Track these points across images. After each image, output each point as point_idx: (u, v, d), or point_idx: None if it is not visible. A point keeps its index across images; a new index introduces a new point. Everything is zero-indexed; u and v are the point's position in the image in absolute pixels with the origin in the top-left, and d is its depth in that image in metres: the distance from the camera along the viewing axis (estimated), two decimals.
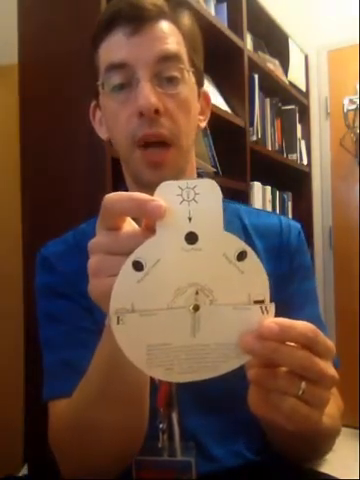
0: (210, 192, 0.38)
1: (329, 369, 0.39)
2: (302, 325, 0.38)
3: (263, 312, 0.39)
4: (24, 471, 1.27)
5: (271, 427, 0.60)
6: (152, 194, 0.67)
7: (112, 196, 0.39)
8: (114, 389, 0.52)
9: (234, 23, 1.91)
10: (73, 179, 1.26)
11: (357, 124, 2.48)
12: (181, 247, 0.37)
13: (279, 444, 0.66)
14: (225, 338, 0.39)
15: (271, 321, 0.38)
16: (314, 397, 0.39)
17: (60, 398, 0.63)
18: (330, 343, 0.40)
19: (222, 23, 1.82)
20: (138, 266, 0.37)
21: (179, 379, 0.40)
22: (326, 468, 0.77)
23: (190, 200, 0.37)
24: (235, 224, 0.73)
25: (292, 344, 0.38)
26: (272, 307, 0.39)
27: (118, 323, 0.38)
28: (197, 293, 0.38)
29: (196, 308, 0.39)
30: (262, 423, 0.60)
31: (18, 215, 1.37)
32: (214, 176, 1.70)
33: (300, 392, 0.38)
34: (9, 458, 1.50)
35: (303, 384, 0.38)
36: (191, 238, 0.37)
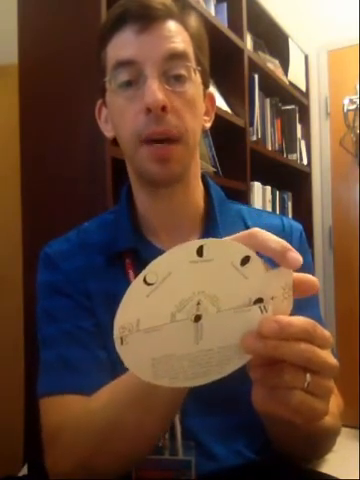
0: None
1: (330, 358, 0.40)
2: (301, 321, 0.39)
3: (262, 311, 0.39)
4: (24, 471, 1.27)
5: (274, 425, 0.59)
6: (156, 191, 0.68)
7: (265, 233, 0.40)
8: (152, 400, 0.52)
9: (234, 23, 1.91)
10: (73, 179, 1.26)
11: (357, 124, 2.48)
12: (190, 260, 0.38)
13: (281, 443, 0.66)
14: (227, 341, 0.40)
15: (270, 320, 0.38)
16: (319, 388, 0.39)
17: (59, 394, 0.63)
18: (327, 333, 0.40)
19: (222, 23, 1.82)
20: (149, 281, 0.38)
21: (185, 385, 0.41)
22: (326, 468, 0.77)
23: None
24: (238, 225, 0.73)
25: None
26: (270, 306, 0.39)
27: (122, 344, 0.39)
28: (199, 303, 0.39)
29: (197, 318, 0.39)
30: (265, 422, 0.60)
31: (18, 215, 1.37)
32: (214, 176, 1.70)
33: (306, 384, 0.39)
34: (9, 458, 1.50)
35: (308, 376, 0.39)
36: (201, 251, 0.38)
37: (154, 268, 0.38)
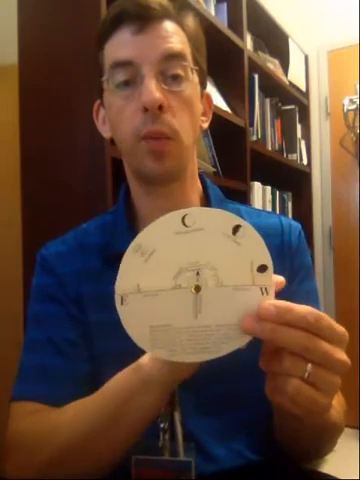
0: None
1: (337, 353, 0.39)
2: (301, 308, 0.39)
3: (263, 293, 0.40)
4: None
5: (282, 416, 0.59)
6: (154, 189, 0.68)
7: None
8: (130, 416, 0.52)
9: (234, 23, 1.91)
10: (73, 180, 1.26)
11: (357, 124, 2.48)
12: (177, 230, 0.39)
13: (287, 438, 0.65)
14: (226, 319, 0.40)
15: (269, 303, 0.39)
16: (321, 380, 0.39)
17: (30, 401, 0.63)
18: (339, 328, 0.40)
19: (222, 23, 1.82)
20: (142, 249, 0.40)
21: (183, 359, 0.41)
22: (326, 468, 0.77)
23: None
24: None
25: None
26: (272, 289, 0.40)
27: (122, 304, 0.40)
28: (198, 274, 0.40)
29: (197, 289, 0.40)
30: (275, 413, 0.60)
31: (18, 216, 1.37)
32: (214, 176, 1.70)
33: (306, 375, 0.38)
34: None
35: (309, 366, 0.38)
36: (188, 220, 0.40)
37: (140, 240, 0.40)
